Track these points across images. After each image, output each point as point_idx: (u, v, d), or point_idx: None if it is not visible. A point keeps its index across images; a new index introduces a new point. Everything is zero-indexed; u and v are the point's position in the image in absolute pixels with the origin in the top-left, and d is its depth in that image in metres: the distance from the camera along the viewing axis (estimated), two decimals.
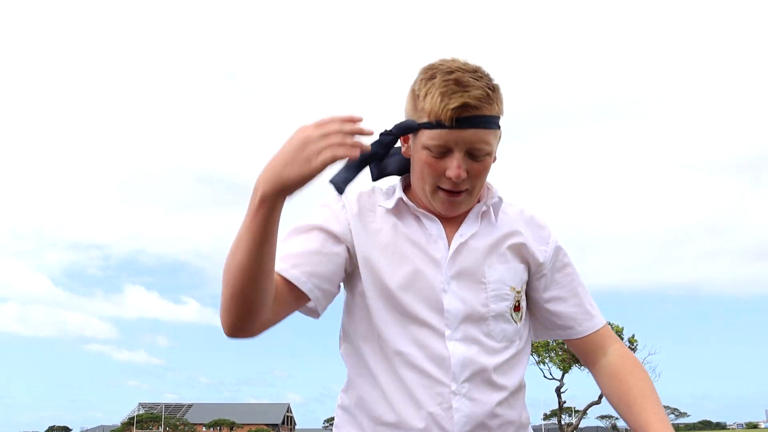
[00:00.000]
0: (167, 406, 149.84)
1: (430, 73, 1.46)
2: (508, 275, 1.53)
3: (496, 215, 1.57)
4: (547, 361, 24.04)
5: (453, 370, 1.46)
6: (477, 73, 1.46)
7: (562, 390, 24.85)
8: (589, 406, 26.89)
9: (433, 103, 1.42)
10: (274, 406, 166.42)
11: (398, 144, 1.56)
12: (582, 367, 23.46)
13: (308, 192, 1.30)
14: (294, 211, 1.51)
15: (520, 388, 1.55)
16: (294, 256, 1.46)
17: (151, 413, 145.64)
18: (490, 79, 1.47)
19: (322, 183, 1.34)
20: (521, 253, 1.56)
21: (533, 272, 1.58)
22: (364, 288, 1.51)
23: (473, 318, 1.49)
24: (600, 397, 24.44)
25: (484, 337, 1.49)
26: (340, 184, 1.38)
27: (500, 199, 1.58)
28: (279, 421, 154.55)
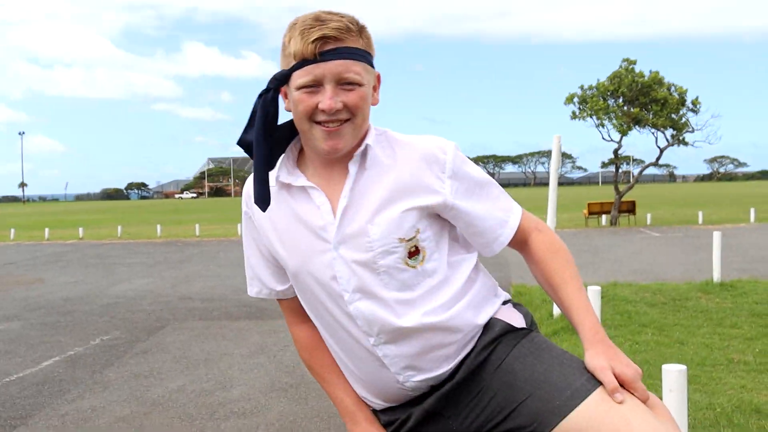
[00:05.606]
0: (235, 159, 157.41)
1: (292, 22, 1.52)
2: (394, 227, 1.53)
3: (371, 164, 1.57)
4: (606, 122, 23.77)
5: (363, 329, 1.57)
6: (338, 13, 1.51)
7: (620, 152, 24.84)
8: (646, 166, 26.91)
9: (296, 44, 1.47)
10: None
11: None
12: (642, 130, 23.15)
13: None
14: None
15: (450, 311, 1.58)
16: (254, 275, 1.78)
17: (221, 167, 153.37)
18: (353, 18, 1.51)
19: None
20: (413, 199, 1.55)
21: (438, 209, 1.58)
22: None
23: (365, 277, 1.54)
24: (657, 159, 24.40)
25: (382, 290, 1.55)
26: (259, 162, 1.55)
27: (368, 147, 1.57)
28: None
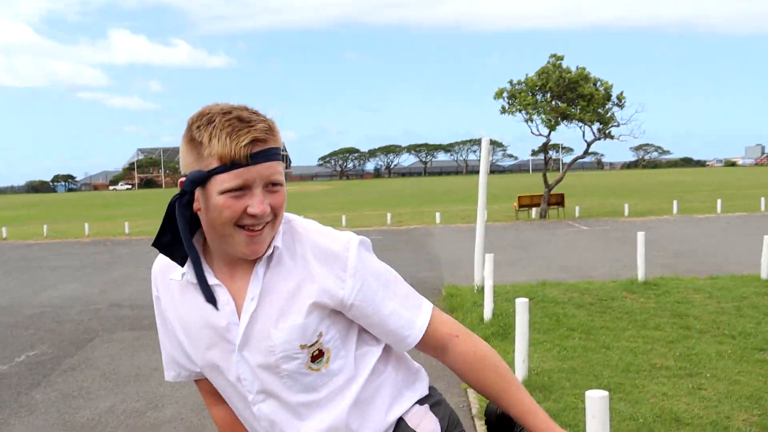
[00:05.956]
0: (165, 150, 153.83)
1: (206, 119, 1.43)
2: (297, 334, 1.49)
3: (276, 263, 1.53)
4: (535, 117, 24.23)
5: (266, 429, 1.58)
6: (249, 110, 1.47)
7: (548, 145, 25.37)
8: (574, 160, 27.54)
9: (222, 145, 1.39)
10: None
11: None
12: (570, 124, 23.67)
13: None
14: None
15: (357, 411, 1.56)
16: (170, 359, 1.71)
17: (150, 158, 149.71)
18: (268, 118, 1.48)
19: None
20: (315, 303, 1.50)
21: (341, 308, 1.53)
22: None
23: (268, 381, 1.53)
24: (585, 152, 24.99)
25: (285, 393, 1.54)
26: (197, 267, 1.52)
27: (276, 248, 1.52)
28: None
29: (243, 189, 1.42)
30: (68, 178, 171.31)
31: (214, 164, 1.41)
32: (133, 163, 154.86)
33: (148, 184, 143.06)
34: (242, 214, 1.43)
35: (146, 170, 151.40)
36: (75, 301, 11.05)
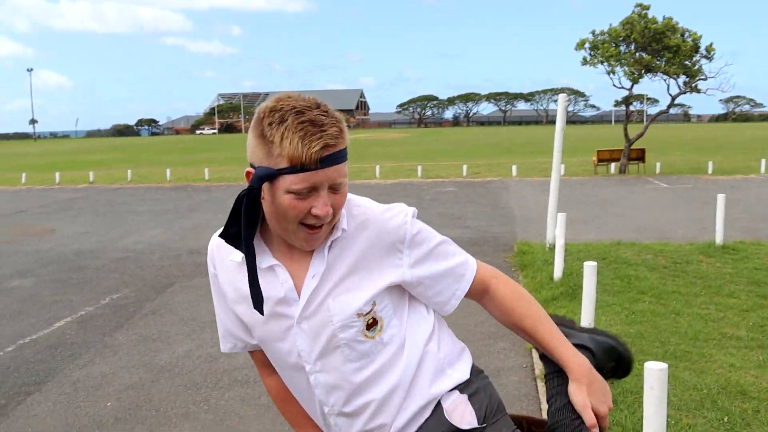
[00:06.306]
0: (245, 95, 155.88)
1: (278, 117, 1.46)
2: (354, 304, 1.59)
3: (340, 247, 1.61)
4: (617, 69, 23.46)
5: (319, 398, 1.67)
6: (321, 108, 1.49)
7: (631, 98, 24.59)
8: (657, 114, 26.64)
9: (294, 149, 1.44)
10: (347, 92, 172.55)
11: None
12: (653, 77, 22.86)
13: None
14: None
15: (404, 380, 1.64)
16: (225, 331, 1.81)
17: (230, 103, 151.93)
18: (339, 116, 1.51)
19: None
20: (371, 276, 1.60)
21: (396, 281, 1.63)
22: None
23: (326, 350, 1.62)
24: (668, 107, 24.14)
25: (341, 362, 1.62)
26: (251, 265, 1.58)
27: (344, 231, 1.60)
28: (353, 107, 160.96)
29: (310, 191, 1.47)
30: (151, 122, 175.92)
31: (284, 164, 1.46)
32: (213, 108, 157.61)
33: (228, 129, 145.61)
34: (306, 214, 1.49)
35: (226, 115, 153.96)
36: (156, 247, 11.53)
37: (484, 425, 1.67)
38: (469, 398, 1.70)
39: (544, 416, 1.85)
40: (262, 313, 1.59)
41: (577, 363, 1.71)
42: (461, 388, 1.70)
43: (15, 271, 9.78)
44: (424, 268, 1.65)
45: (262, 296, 1.58)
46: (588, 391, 1.70)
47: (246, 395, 4.99)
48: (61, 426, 4.59)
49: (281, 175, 1.46)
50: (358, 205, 1.65)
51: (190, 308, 7.48)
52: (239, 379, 5.33)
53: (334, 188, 1.50)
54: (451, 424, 1.65)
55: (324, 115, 1.47)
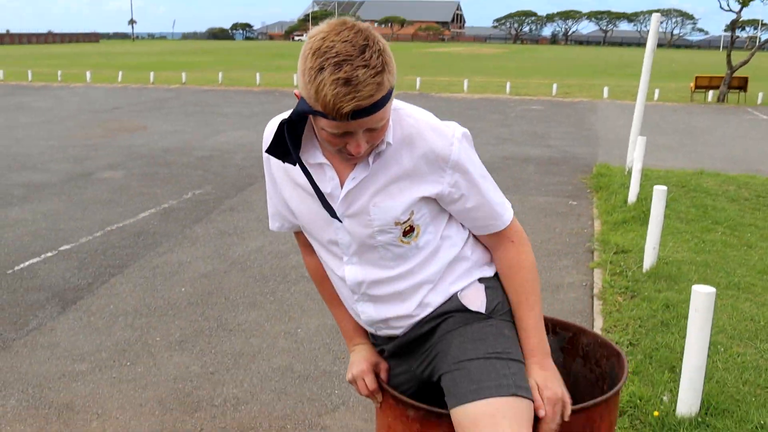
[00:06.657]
0: (339, 3, 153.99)
1: (318, 63, 1.42)
2: (392, 211, 1.66)
3: (384, 158, 1.65)
4: None
5: (351, 288, 1.80)
6: (364, 56, 1.42)
7: (739, 22, 23.22)
8: (764, 42, 25.10)
9: (325, 104, 1.44)
10: (444, 3, 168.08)
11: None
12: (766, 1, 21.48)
13: None
14: None
15: (433, 278, 1.75)
16: (275, 211, 1.91)
17: (325, 10, 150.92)
18: (378, 56, 1.44)
19: None
20: (413, 189, 1.66)
21: (437, 197, 1.69)
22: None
23: (363, 247, 1.73)
24: None
25: (377, 260, 1.74)
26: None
27: (389, 144, 1.62)
28: (449, 19, 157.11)
29: (344, 134, 1.51)
30: (246, 26, 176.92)
31: (320, 109, 1.46)
32: (308, 15, 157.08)
33: None
34: (343, 147, 1.55)
35: (320, 21, 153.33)
36: (240, 148, 11.88)
37: (491, 316, 1.76)
38: (486, 288, 1.79)
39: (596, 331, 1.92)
40: (339, 220, 1.68)
41: (533, 349, 1.75)
42: (481, 279, 1.80)
43: (107, 164, 10.31)
44: (463, 194, 1.69)
45: (334, 210, 1.65)
46: (538, 377, 1.73)
47: (311, 290, 5.23)
48: (139, 305, 4.97)
49: (317, 116, 1.50)
50: (409, 116, 1.65)
51: (266, 207, 7.76)
52: (306, 275, 5.57)
53: (370, 130, 1.52)
54: (461, 304, 1.76)
55: (364, 67, 1.42)
